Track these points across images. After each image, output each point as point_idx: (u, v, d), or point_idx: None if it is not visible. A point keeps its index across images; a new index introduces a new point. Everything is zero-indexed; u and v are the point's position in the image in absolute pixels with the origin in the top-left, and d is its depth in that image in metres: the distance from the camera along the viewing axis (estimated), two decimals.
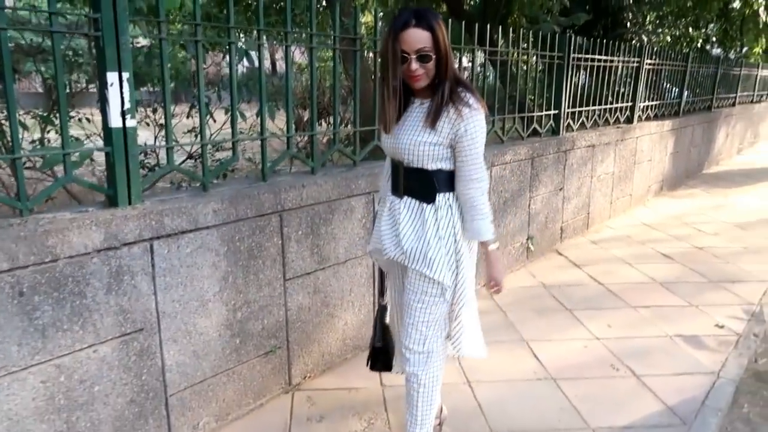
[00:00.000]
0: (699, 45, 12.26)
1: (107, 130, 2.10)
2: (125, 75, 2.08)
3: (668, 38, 10.76)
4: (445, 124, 1.94)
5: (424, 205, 2.03)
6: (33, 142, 3.56)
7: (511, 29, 4.45)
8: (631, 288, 4.29)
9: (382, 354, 2.41)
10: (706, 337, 3.49)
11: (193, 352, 2.39)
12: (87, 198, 4.21)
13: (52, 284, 1.90)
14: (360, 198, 3.04)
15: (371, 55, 3.60)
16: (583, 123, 5.53)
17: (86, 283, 1.99)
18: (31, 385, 1.90)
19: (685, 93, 7.95)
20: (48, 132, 3.63)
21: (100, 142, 2.19)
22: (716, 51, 13.60)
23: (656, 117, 7.19)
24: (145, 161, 4.90)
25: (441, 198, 2.02)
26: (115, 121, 2.08)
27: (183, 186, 4.32)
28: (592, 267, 4.75)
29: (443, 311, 2.11)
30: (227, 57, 2.69)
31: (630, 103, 6.46)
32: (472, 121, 1.92)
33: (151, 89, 4.17)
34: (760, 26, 11.89)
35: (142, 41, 3.61)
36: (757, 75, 12.20)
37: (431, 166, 1.99)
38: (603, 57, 5.56)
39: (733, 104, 10.72)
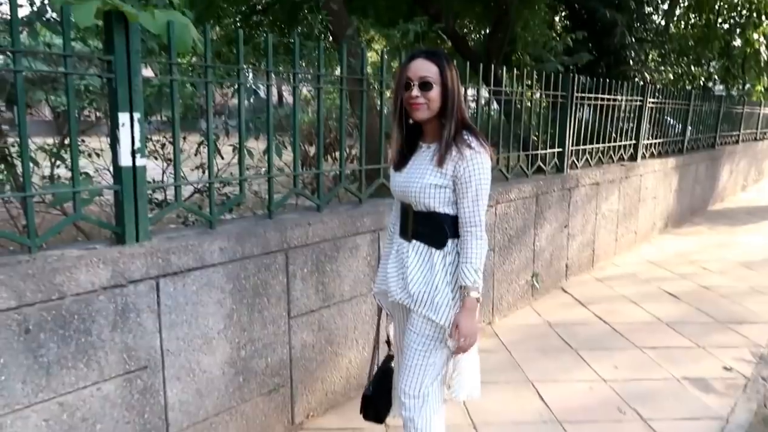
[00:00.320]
0: (702, 82, 12.36)
1: (117, 169, 2.13)
2: (136, 115, 2.12)
3: (671, 75, 10.87)
4: (449, 165, 1.95)
5: (433, 249, 2.02)
6: (44, 178, 3.60)
7: (515, 67, 4.52)
8: (637, 328, 4.25)
9: (372, 404, 2.33)
10: (713, 380, 3.45)
11: (196, 390, 2.38)
12: (94, 232, 4.23)
13: (58, 322, 1.91)
14: (365, 236, 3.06)
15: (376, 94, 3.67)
16: (587, 160, 5.57)
17: (92, 320, 1.99)
18: (34, 423, 1.89)
19: (689, 130, 8.00)
20: (57, 167, 3.68)
21: (109, 177, 2.21)
22: (719, 88, 13.72)
23: (660, 154, 7.23)
24: (153, 196, 4.93)
25: (450, 244, 2.01)
26: (126, 161, 2.12)
27: (189, 221, 4.34)
28: (598, 305, 4.72)
29: (443, 356, 2.09)
30: (236, 95, 2.73)
31: (634, 141, 6.51)
32: (473, 161, 1.91)
33: (159, 118, 4.21)
34: (762, 64, 12.05)
35: (153, 79, 3.67)
36: (759, 113, 12.28)
37: (440, 210, 1.99)
38: (606, 96, 5.63)
39: (737, 141, 10.76)
